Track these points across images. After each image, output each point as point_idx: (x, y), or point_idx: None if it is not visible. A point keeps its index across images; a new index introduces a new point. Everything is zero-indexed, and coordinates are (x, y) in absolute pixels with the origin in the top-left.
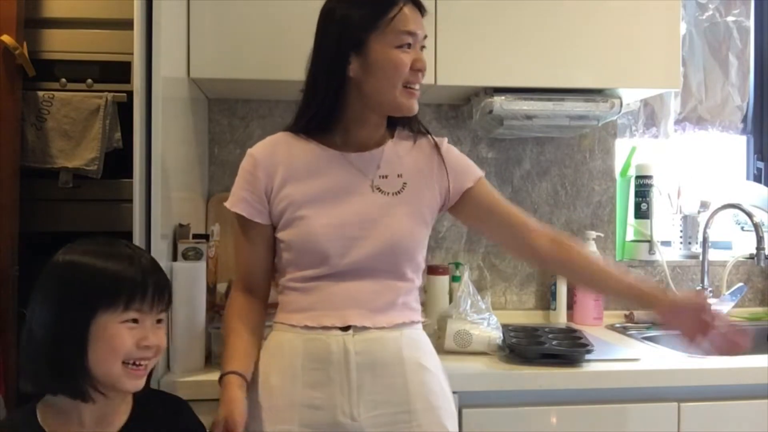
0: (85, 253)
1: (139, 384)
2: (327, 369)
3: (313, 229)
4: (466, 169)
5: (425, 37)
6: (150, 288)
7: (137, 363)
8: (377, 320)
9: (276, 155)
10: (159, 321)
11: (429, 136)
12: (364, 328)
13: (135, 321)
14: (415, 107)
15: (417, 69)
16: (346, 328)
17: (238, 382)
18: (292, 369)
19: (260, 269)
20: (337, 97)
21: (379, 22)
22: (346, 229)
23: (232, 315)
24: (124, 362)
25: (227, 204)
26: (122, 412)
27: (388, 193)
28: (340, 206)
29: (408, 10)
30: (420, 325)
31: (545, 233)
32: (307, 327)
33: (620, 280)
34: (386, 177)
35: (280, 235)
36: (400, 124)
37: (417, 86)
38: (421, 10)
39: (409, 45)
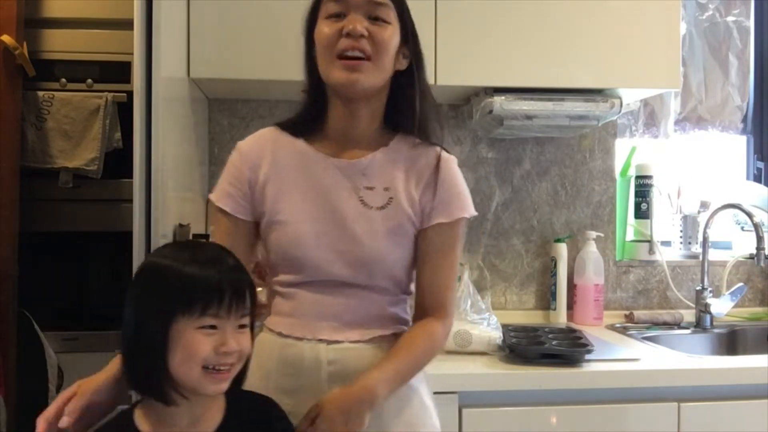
0: (167, 256)
1: (221, 388)
2: (299, 376)
3: (291, 236)
4: (456, 201)
5: (382, 5)
6: (227, 293)
7: (218, 368)
8: (349, 334)
9: (262, 150)
10: (242, 326)
11: (436, 148)
12: (336, 342)
13: (213, 327)
14: (356, 78)
15: (346, 34)
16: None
17: None
18: (267, 371)
19: None
20: (317, 88)
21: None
22: (324, 240)
23: None
24: (204, 367)
25: (212, 197)
26: (215, 414)
27: (372, 207)
28: (321, 215)
29: None
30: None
31: (418, 321)
32: (281, 334)
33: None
34: (372, 189)
35: (263, 234)
36: (404, 127)
37: (355, 54)
38: None
39: (337, 14)
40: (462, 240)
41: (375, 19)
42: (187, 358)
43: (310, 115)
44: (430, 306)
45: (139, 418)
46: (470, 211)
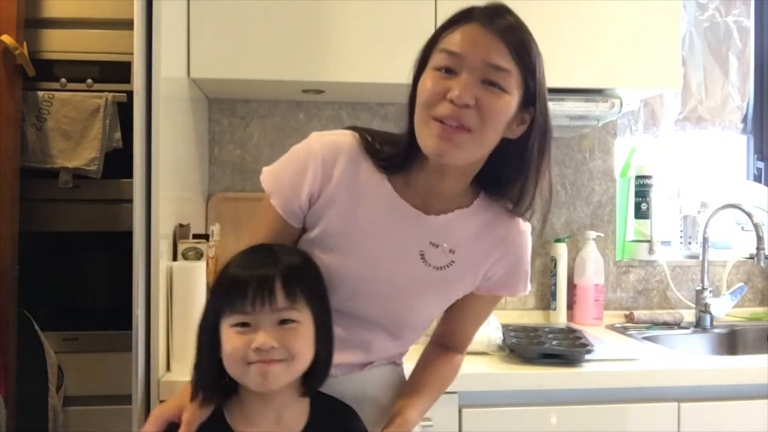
0: (231, 261)
1: (266, 384)
2: None
3: (338, 266)
4: (518, 281)
5: (502, 70)
6: (250, 288)
7: (258, 363)
8: (353, 358)
9: (337, 164)
10: (284, 321)
11: (516, 220)
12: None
13: (246, 324)
14: (447, 150)
15: (449, 99)
16: None
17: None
18: None
19: None
20: (409, 132)
21: (438, 39)
22: (368, 283)
23: None
24: (248, 363)
25: (263, 181)
26: (300, 417)
27: (430, 266)
28: (375, 258)
29: (469, 29)
30: (398, 367)
31: (445, 353)
32: None
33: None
34: (437, 246)
35: (305, 237)
36: (488, 190)
37: (450, 122)
38: (501, 34)
39: (448, 69)
40: None
41: (490, 84)
42: (227, 356)
43: (401, 157)
44: (457, 344)
45: (229, 417)
46: (528, 289)
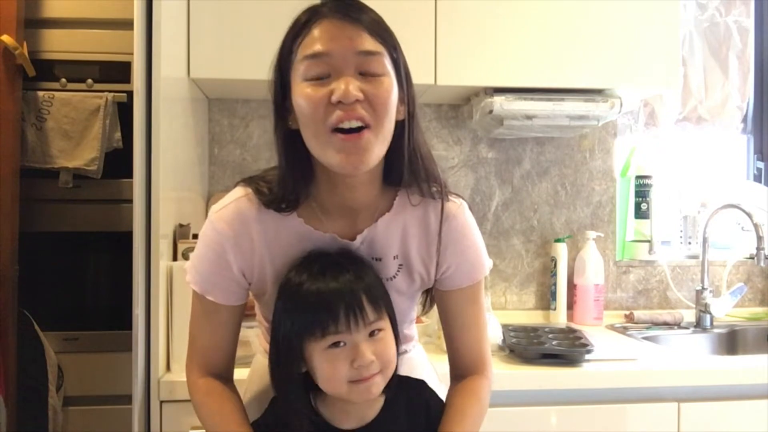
0: (294, 278)
1: (372, 394)
2: None
3: None
4: (473, 265)
5: (374, 54)
6: (341, 309)
7: (362, 379)
8: None
9: (248, 233)
10: (372, 333)
11: (443, 203)
12: None
13: (339, 343)
14: (360, 161)
15: (336, 102)
16: None
17: None
18: (266, 395)
19: (227, 350)
20: (293, 159)
21: (292, 52)
22: None
23: (213, 408)
24: (349, 381)
25: (192, 284)
26: (376, 403)
27: (384, 279)
28: None
29: (323, 27)
30: (415, 348)
31: (461, 382)
32: None
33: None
34: (380, 260)
35: (257, 294)
36: (404, 182)
37: (353, 126)
38: (355, 20)
39: (320, 76)
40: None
41: (368, 73)
42: (329, 378)
43: (298, 189)
44: (470, 364)
45: (317, 402)
46: (488, 265)
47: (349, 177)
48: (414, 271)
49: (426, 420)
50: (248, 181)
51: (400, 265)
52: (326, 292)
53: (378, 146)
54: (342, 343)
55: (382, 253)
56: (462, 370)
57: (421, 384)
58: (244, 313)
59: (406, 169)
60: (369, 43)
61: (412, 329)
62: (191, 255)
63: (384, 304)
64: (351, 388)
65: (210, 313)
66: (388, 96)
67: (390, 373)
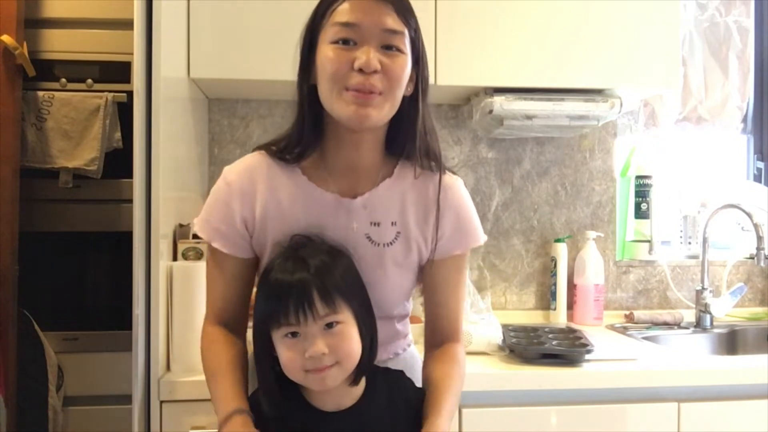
0: (270, 266)
1: (327, 385)
2: None
3: None
4: (466, 233)
5: (397, 33)
6: (291, 300)
7: (314, 369)
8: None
9: (253, 182)
10: (331, 324)
11: (441, 176)
12: None
13: (295, 334)
14: (366, 114)
15: (358, 69)
16: None
17: (245, 421)
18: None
19: (238, 303)
20: (310, 114)
21: (325, 15)
22: None
23: (213, 353)
24: (305, 370)
25: (199, 231)
26: (358, 388)
27: (379, 244)
28: None
29: (356, 1)
30: (409, 348)
31: (441, 349)
32: None
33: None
34: (378, 225)
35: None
36: (407, 152)
37: (366, 89)
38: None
39: (346, 41)
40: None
41: (388, 48)
42: (286, 365)
43: (307, 142)
44: (448, 333)
45: (304, 389)
46: (482, 237)
47: (355, 133)
48: (411, 240)
49: (405, 406)
50: (262, 146)
51: (398, 232)
52: (282, 285)
53: (385, 109)
54: (297, 334)
55: (380, 218)
56: (441, 337)
57: (400, 374)
58: (254, 273)
59: (411, 142)
60: (394, 22)
61: (406, 326)
62: (203, 208)
63: (342, 295)
64: (307, 377)
65: (219, 264)
66: (401, 72)
67: (350, 366)
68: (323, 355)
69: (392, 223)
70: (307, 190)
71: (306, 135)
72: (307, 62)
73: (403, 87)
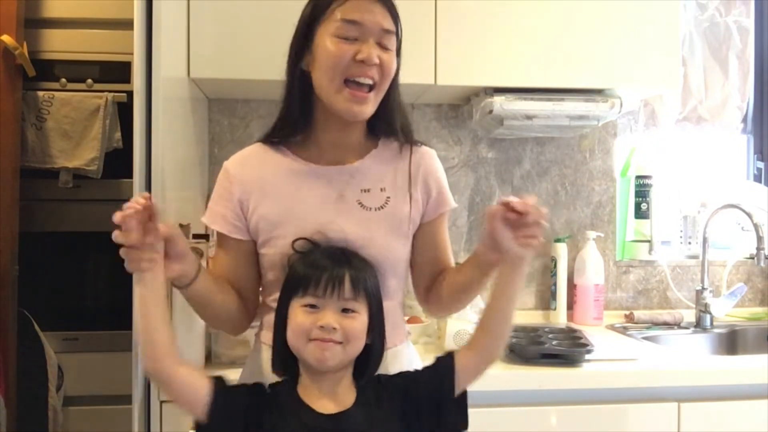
0: (310, 253)
1: (325, 358)
2: None
3: (289, 249)
4: (446, 194)
5: (391, 33)
6: (324, 277)
7: (319, 339)
8: None
9: (249, 169)
10: (347, 310)
11: (419, 147)
12: None
13: (314, 306)
14: (360, 111)
15: (360, 60)
16: None
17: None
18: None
19: (245, 283)
20: (299, 97)
21: (327, 10)
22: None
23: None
24: (310, 340)
25: (205, 219)
26: (349, 395)
27: (371, 209)
28: (322, 219)
29: (360, 1)
30: (407, 341)
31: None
32: None
33: (463, 266)
34: (368, 191)
35: (260, 252)
36: (383, 133)
37: (364, 82)
38: (384, 2)
39: (350, 38)
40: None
41: (382, 46)
42: (294, 329)
43: (295, 122)
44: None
45: (300, 387)
46: (453, 202)
47: (348, 122)
48: (401, 204)
49: (402, 402)
50: (260, 138)
51: (388, 197)
52: (322, 260)
53: (375, 104)
54: (316, 307)
55: (370, 185)
56: (437, 284)
57: (395, 377)
58: (253, 258)
59: (391, 121)
60: (389, 23)
61: (402, 318)
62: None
63: (366, 294)
64: (308, 345)
65: (221, 246)
66: (393, 66)
67: (351, 351)
68: (334, 330)
69: (381, 189)
70: (297, 167)
71: (295, 115)
72: (302, 48)
73: (390, 80)
